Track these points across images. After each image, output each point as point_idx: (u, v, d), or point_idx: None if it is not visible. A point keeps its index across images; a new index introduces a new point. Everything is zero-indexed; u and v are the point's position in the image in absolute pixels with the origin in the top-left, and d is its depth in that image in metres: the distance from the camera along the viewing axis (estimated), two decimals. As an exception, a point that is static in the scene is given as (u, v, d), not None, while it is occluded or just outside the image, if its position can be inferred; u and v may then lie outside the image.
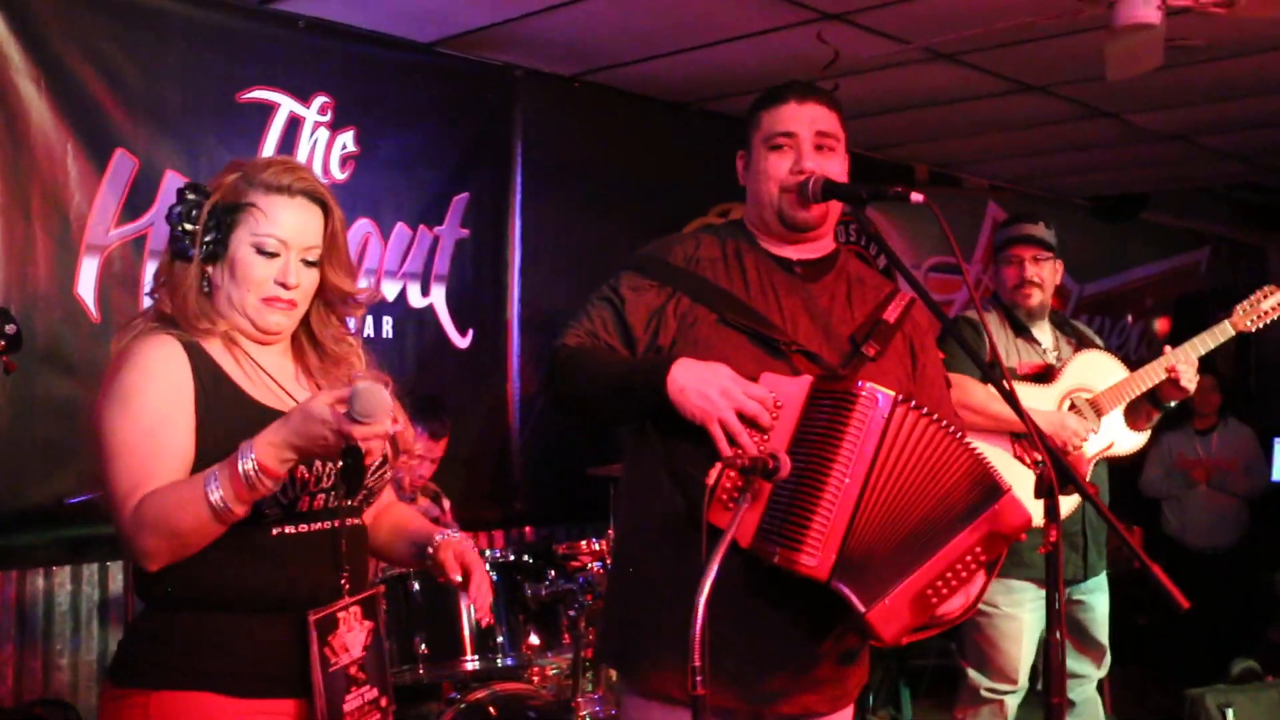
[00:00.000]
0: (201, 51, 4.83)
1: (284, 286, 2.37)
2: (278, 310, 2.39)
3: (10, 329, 3.10)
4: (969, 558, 2.45)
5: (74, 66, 4.50)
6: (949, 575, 2.45)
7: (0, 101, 4.35)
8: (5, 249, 4.37)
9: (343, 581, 2.39)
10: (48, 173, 4.45)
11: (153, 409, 2.25)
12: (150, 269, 4.64)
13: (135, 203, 4.64)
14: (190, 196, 2.35)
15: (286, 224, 2.36)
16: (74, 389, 4.44)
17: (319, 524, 2.40)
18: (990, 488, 2.45)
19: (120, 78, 4.61)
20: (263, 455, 2.09)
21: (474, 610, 2.87)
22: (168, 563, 2.20)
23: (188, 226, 2.34)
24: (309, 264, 2.40)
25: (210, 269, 2.38)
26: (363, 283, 2.66)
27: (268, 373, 2.43)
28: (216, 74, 4.88)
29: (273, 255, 2.36)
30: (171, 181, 4.68)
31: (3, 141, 4.36)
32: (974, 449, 2.49)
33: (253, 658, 2.32)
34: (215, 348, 2.38)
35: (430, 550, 2.49)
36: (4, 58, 4.35)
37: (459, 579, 2.45)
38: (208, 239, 2.35)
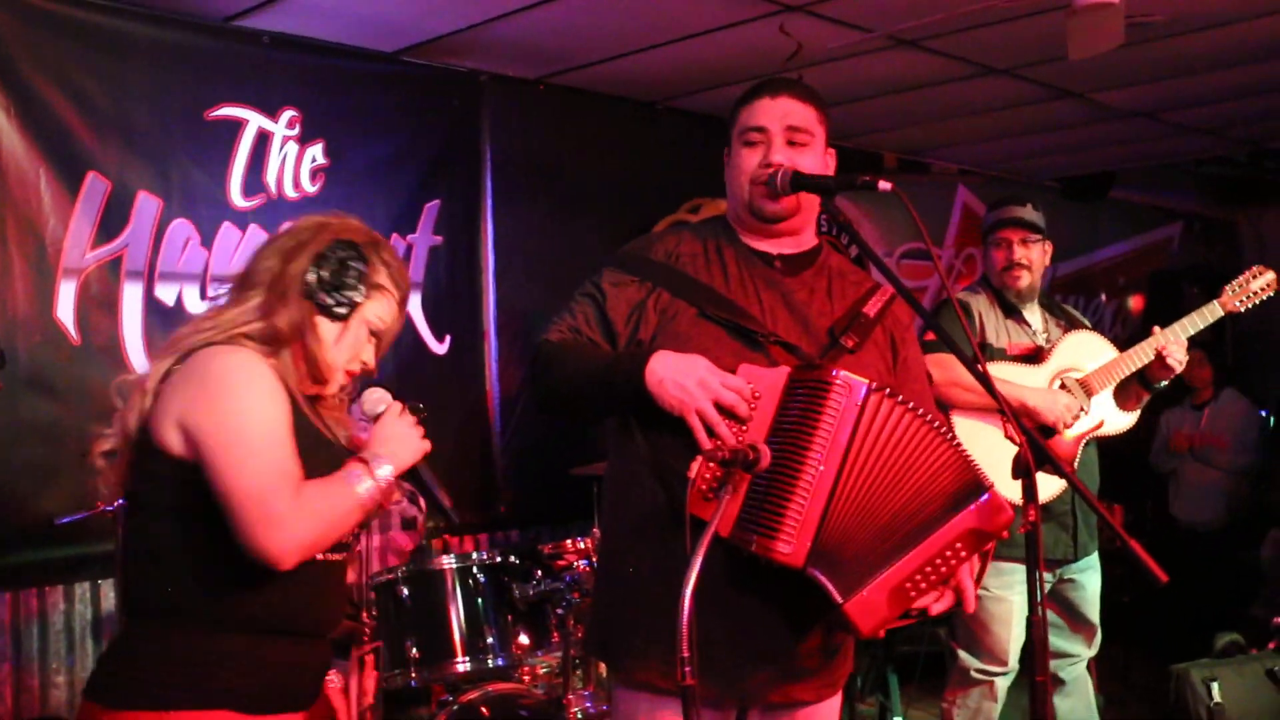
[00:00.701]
0: (168, 71, 4.84)
1: (365, 366, 2.57)
2: (345, 380, 2.57)
3: None
4: (949, 553, 2.48)
5: (42, 91, 4.51)
6: (928, 569, 2.48)
7: (-27, 132, 4.38)
8: (-17, 274, 4.40)
9: (360, 617, 2.52)
10: (21, 198, 4.46)
11: (281, 418, 2.34)
12: (127, 290, 4.72)
13: (109, 225, 4.66)
14: (357, 260, 2.48)
15: (392, 316, 2.58)
16: (58, 411, 4.49)
17: (338, 555, 2.49)
18: (972, 484, 2.48)
19: (89, 100, 4.62)
20: (387, 471, 2.41)
21: None
22: (301, 560, 2.27)
23: (355, 296, 2.48)
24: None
25: (323, 321, 2.47)
26: None
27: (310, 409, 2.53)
28: (184, 93, 4.89)
29: (375, 337, 2.56)
30: (144, 202, 4.73)
31: (-23, 171, 4.39)
32: (953, 440, 2.51)
33: (271, 677, 2.36)
34: (291, 379, 2.45)
35: None
36: (-23, 90, 4.39)
37: None
38: (356, 300, 2.49)
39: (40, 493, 4.44)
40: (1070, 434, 4.34)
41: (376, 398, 2.57)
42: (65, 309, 4.56)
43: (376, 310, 2.51)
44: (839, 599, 2.48)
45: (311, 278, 2.41)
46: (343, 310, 2.46)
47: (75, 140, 4.59)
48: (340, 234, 2.47)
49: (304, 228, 2.51)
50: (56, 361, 4.53)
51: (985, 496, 2.47)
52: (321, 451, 2.40)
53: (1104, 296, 9.78)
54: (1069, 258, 9.38)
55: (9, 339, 4.34)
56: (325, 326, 2.46)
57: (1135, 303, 9.92)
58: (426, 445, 2.55)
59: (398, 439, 2.49)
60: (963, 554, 2.49)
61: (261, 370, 2.35)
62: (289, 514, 2.22)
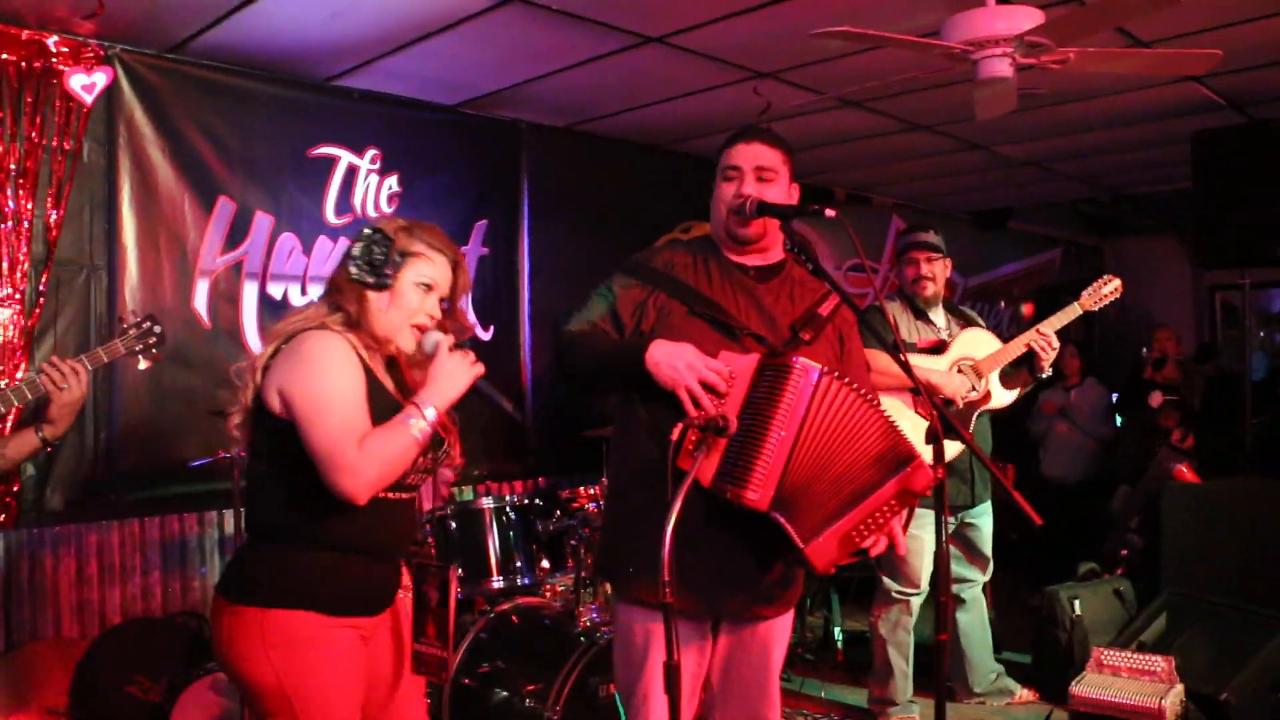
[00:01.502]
0: (281, 119, 4.87)
1: (430, 317, 2.49)
2: (416, 333, 2.49)
3: (158, 329, 3.15)
4: (885, 508, 2.50)
5: (188, 134, 4.55)
6: (869, 521, 2.50)
7: (137, 165, 4.41)
8: (141, 275, 4.44)
9: (418, 537, 2.51)
10: (170, 216, 4.51)
11: (354, 384, 2.34)
12: (246, 287, 4.75)
13: (234, 237, 4.69)
14: (380, 243, 2.44)
15: (440, 271, 2.51)
16: (193, 380, 4.54)
17: (407, 493, 2.50)
18: (905, 454, 2.49)
19: (221, 141, 4.65)
20: (438, 405, 2.36)
21: None
22: (372, 494, 2.28)
23: (386, 271, 2.44)
24: (443, 304, 2.54)
25: (373, 295, 2.45)
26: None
27: (383, 372, 2.52)
28: (292, 135, 4.92)
29: (429, 290, 2.49)
30: (260, 220, 4.76)
31: (138, 194, 4.42)
32: (885, 414, 2.51)
33: (343, 585, 2.38)
34: (359, 347, 2.44)
35: None
36: (140, 133, 4.42)
37: None
38: (388, 272, 2.45)
39: (179, 442, 4.48)
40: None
41: (433, 340, 2.47)
42: (200, 301, 4.60)
43: (418, 272, 2.47)
44: (800, 544, 2.49)
45: (351, 267, 2.42)
46: (382, 280, 2.43)
47: (211, 171, 4.63)
48: (371, 228, 2.47)
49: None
50: (192, 341, 4.57)
51: (913, 463, 2.48)
52: (391, 409, 2.39)
53: (1003, 304, 9.79)
54: (976, 273, 9.40)
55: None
56: (375, 299, 2.43)
57: (1027, 309, 9.92)
58: (478, 369, 2.45)
59: (446, 375, 2.40)
60: (896, 508, 2.52)
61: (336, 347, 2.36)
62: (356, 461, 2.23)
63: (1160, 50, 4.38)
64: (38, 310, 4.16)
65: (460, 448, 2.67)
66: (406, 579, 2.65)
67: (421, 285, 2.48)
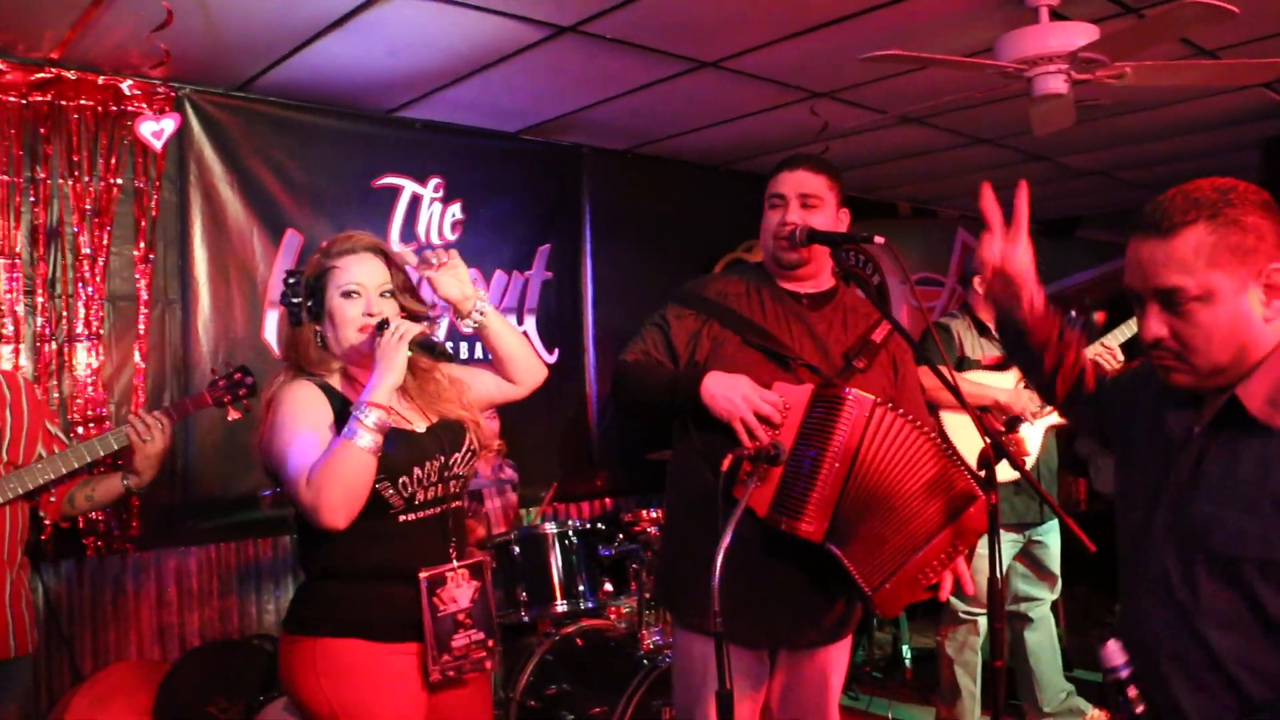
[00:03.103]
0: (345, 151, 4.93)
1: (369, 316, 2.42)
2: (362, 336, 2.43)
3: (250, 379, 3.19)
4: (949, 549, 2.49)
5: (255, 169, 4.65)
6: (935, 562, 2.50)
7: (208, 201, 4.52)
8: (213, 308, 4.54)
9: (450, 550, 2.47)
10: (240, 250, 4.61)
11: (311, 422, 2.34)
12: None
13: (298, 270, 4.75)
14: (290, 280, 2.47)
15: (359, 272, 2.44)
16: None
17: (431, 510, 2.47)
18: (967, 494, 2.47)
19: (288, 175, 4.74)
20: (376, 399, 2.26)
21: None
22: (346, 515, 2.24)
23: (294, 300, 2.45)
24: (384, 295, 2.46)
25: (319, 327, 2.45)
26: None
27: None
28: (356, 167, 4.98)
29: (355, 296, 2.42)
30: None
31: (209, 229, 4.53)
32: (939, 444, 2.49)
33: (387, 612, 2.39)
34: (337, 382, 2.46)
35: None
36: (210, 170, 4.53)
37: None
38: (309, 304, 2.44)
39: (250, 472, 4.50)
40: (1039, 423, 4.35)
41: (390, 331, 2.36)
42: (270, 331, 4.67)
43: (336, 283, 2.42)
44: (868, 591, 2.50)
45: (285, 314, 2.49)
46: (297, 314, 2.45)
47: (278, 205, 4.71)
48: (287, 271, 2.50)
49: None
50: (264, 371, 4.55)
51: (975, 504, 2.46)
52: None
53: (1074, 313, 9.64)
54: (1047, 283, 9.12)
55: (230, 354, 4.49)
56: (321, 331, 2.45)
57: (1099, 317, 9.76)
58: (410, 329, 2.35)
59: (381, 364, 2.32)
60: (959, 547, 2.51)
61: (287, 396, 2.39)
62: (309, 496, 2.22)
63: (1218, 61, 4.30)
64: (115, 346, 4.30)
65: (485, 433, 2.63)
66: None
67: (345, 294, 2.43)
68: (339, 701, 2.34)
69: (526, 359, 2.72)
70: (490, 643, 2.50)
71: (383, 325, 2.38)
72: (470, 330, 2.62)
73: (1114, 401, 2.16)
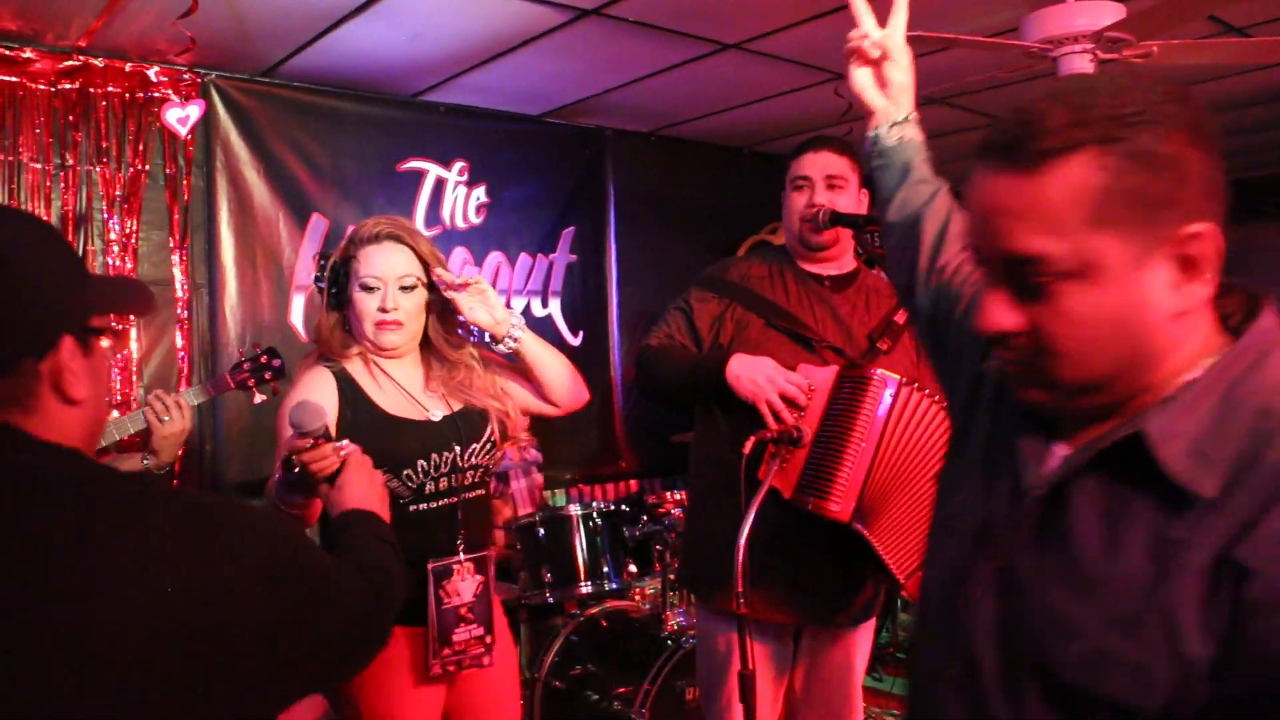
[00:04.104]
0: (369, 135, 4.93)
1: (384, 311, 2.42)
2: (389, 330, 2.44)
3: (278, 361, 3.19)
4: None
5: (281, 154, 4.65)
6: None
7: (234, 186, 4.52)
8: (240, 292, 4.54)
9: (459, 542, 2.45)
10: (266, 234, 4.61)
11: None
12: (340, 302, 4.86)
13: (328, 252, 4.78)
14: (321, 263, 2.49)
15: (379, 263, 2.43)
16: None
17: (442, 501, 2.47)
18: None
19: (313, 159, 4.73)
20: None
21: None
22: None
23: (320, 285, 2.49)
24: (406, 289, 2.45)
25: (346, 313, 2.49)
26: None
27: (399, 384, 2.49)
28: (381, 151, 4.97)
29: (374, 290, 2.43)
30: (353, 234, 4.87)
31: (236, 214, 4.53)
32: None
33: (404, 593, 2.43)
34: (357, 369, 2.47)
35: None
36: (236, 155, 4.53)
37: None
38: (334, 290, 2.47)
39: (275, 454, 4.58)
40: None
41: (297, 415, 2.05)
42: (296, 315, 4.67)
43: (358, 275, 2.44)
44: (901, 579, 2.50)
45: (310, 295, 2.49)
46: (330, 296, 2.49)
47: (304, 189, 4.71)
48: (322, 255, 2.52)
49: None
50: (289, 354, 4.53)
51: None
52: (377, 422, 2.40)
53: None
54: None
55: (257, 338, 4.48)
56: (346, 316, 2.49)
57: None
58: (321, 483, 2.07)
59: (355, 488, 2.01)
60: None
61: (305, 382, 2.43)
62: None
63: (1248, 39, 4.25)
64: (144, 331, 4.33)
65: (515, 424, 2.61)
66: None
67: (364, 286, 2.44)
68: (362, 679, 2.36)
69: (566, 384, 2.67)
70: (489, 639, 2.50)
71: (288, 464, 2.08)
72: (505, 353, 2.60)
73: (966, 330, 1.48)
